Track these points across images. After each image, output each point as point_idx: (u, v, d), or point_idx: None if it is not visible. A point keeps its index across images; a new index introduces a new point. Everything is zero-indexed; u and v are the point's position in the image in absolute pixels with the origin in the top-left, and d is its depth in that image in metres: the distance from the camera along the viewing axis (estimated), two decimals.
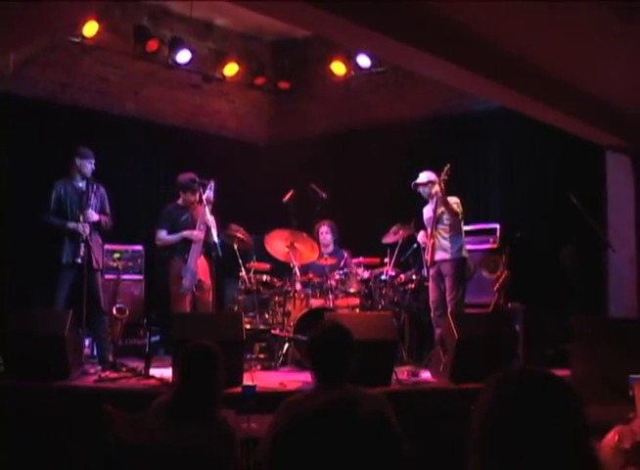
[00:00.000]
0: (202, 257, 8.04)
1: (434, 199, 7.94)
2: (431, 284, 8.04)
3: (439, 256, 7.90)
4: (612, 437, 2.75)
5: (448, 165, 7.74)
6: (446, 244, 7.90)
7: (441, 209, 7.86)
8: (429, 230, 8.00)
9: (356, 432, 1.47)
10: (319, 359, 3.77)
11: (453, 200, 7.94)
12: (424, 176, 8.07)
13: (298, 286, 8.31)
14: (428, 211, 8.15)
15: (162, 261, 8.32)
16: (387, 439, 1.50)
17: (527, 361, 7.42)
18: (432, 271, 8.01)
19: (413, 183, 8.08)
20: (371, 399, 3.72)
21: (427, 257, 7.96)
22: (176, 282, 7.93)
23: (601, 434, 2.71)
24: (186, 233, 8.00)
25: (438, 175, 7.83)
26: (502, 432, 1.59)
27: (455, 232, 7.94)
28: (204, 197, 7.88)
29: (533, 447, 1.55)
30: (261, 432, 4.17)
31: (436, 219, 7.91)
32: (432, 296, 8.02)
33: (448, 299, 7.83)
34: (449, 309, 7.67)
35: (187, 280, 7.88)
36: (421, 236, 8.18)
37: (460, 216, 7.95)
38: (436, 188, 7.83)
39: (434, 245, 7.87)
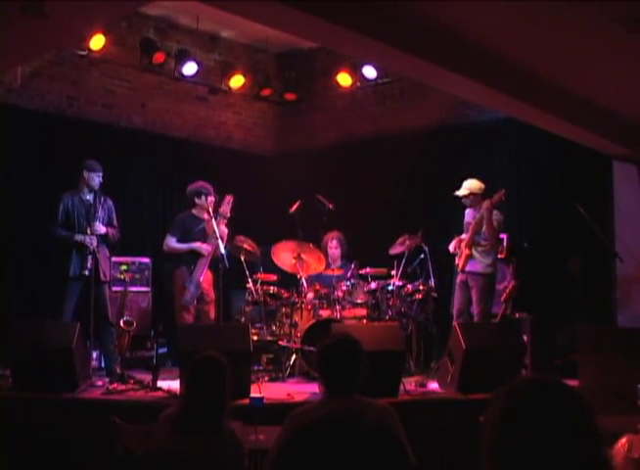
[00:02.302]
0: (207, 269, 8.08)
1: (478, 208, 7.88)
2: (457, 292, 7.99)
3: (471, 266, 7.85)
4: (621, 446, 2.74)
5: (503, 191, 7.68)
6: (480, 257, 7.84)
7: (482, 221, 7.81)
8: (467, 236, 7.96)
9: (360, 443, 1.46)
10: (328, 369, 3.76)
11: (496, 216, 7.86)
12: (465, 187, 7.98)
13: (309, 296, 8.31)
14: (468, 215, 8.08)
15: (169, 272, 8.33)
16: (391, 450, 1.49)
17: (535, 372, 7.39)
18: (459, 278, 7.95)
19: (454, 194, 8.03)
20: (378, 409, 3.72)
21: (458, 261, 7.93)
22: (181, 292, 7.95)
23: (610, 444, 2.70)
24: (196, 245, 8.02)
25: (493, 193, 7.77)
26: (514, 442, 1.58)
27: (491, 247, 7.89)
28: (220, 210, 7.93)
29: (546, 457, 1.54)
30: (269, 443, 4.16)
31: (476, 230, 7.86)
32: (456, 304, 7.98)
33: (476, 311, 7.80)
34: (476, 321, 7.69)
35: (190, 292, 7.90)
36: (453, 245, 8.06)
37: (497, 235, 7.92)
38: (486, 205, 7.75)
39: (468, 254, 7.85)
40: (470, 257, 7.84)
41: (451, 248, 8.09)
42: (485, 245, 7.86)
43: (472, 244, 7.85)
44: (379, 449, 1.47)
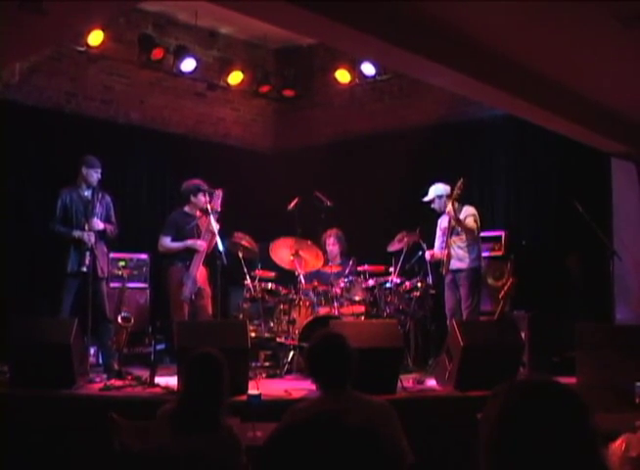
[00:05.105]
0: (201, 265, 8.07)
1: (448, 211, 7.96)
2: (447, 292, 8.11)
3: (455, 265, 7.95)
4: (619, 445, 2.74)
5: (461, 180, 7.80)
6: (462, 253, 7.95)
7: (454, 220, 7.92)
8: (443, 240, 8.04)
9: (342, 446, 1.44)
10: (317, 368, 3.78)
11: (470, 211, 7.98)
12: (431, 192, 8.15)
13: (308, 293, 8.31)
14: (442, 222, 8.19)
15: (165, 269, 8.32)
16: (374, 452, 1.46)
17: (533, 369, 7.41)
18: (447, 279, 8.08)
19: (423, 201, 8.18)
20: (375, 406, 3.72)
21: (442, 268, 8.01)
22: (177, 289, 7.94)
23: (607, 442, 2.70)
24: (190, 242, 8.01)
25: (451, 187, 7.88)
26: (511, 441, 1.58)
27: (471, 242, 7.98)
28: (209, 206, 7.90)
29: (543, 456, 1.55)
30: None
31: (451, 229, 7.94)
32: (448, 304, 8.09)
33: (463, 307, 7.90)
34: (464, 318, 7.72)
35: (188, 288, 7.89)
36: (428, 256, 8.23)
37: (476, 232, 8.00)
38: (449, 207, 7.86)
39: (449, 254, 7.91)
40: (451, 256, 7.93)
41: (428, 257, 8.24)
42: (465, 240, 7.96)
43: (450, 243, 7.98)
44: (361, 452, 1.45)
